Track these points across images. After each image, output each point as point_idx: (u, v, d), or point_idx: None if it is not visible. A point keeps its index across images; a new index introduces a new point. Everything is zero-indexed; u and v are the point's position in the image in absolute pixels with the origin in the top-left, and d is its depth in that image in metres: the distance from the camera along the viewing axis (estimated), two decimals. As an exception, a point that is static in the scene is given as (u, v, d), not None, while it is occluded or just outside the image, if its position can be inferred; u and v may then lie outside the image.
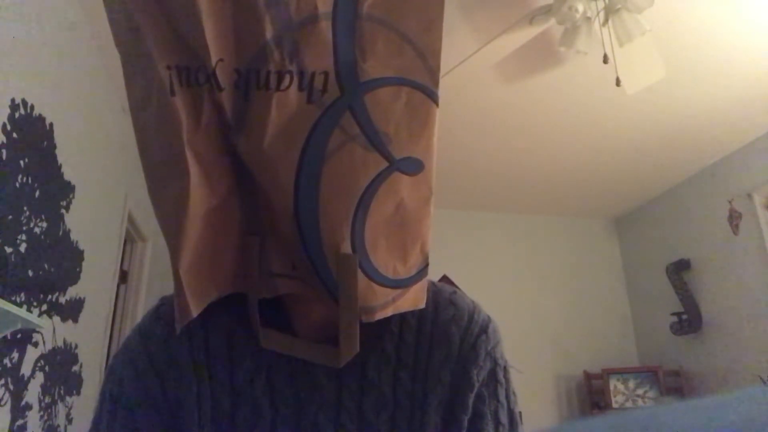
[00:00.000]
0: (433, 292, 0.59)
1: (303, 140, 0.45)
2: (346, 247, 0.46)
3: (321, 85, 0.44)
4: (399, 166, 0.47)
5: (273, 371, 0.55)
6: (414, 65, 0.46)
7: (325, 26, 0.44)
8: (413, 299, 0.51)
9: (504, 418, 0.58)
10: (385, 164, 0.46)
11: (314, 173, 0.45)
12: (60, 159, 1.93)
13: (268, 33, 0.43)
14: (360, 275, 0.47)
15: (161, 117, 0.45)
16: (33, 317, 1.57)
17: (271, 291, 0.51)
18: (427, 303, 0.53)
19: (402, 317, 0.57)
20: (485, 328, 0.60)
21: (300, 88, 0.44)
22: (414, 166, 0.47)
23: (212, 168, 0.46)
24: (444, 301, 0.60)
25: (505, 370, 0.61)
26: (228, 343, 0.56)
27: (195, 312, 0.49)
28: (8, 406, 1.61)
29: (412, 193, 0.48)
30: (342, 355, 0.49)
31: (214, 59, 0.43)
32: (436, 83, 0.47)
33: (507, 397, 0.60)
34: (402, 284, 0.50)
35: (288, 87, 0.44)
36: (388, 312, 0.50)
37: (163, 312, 0.58)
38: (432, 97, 0.47)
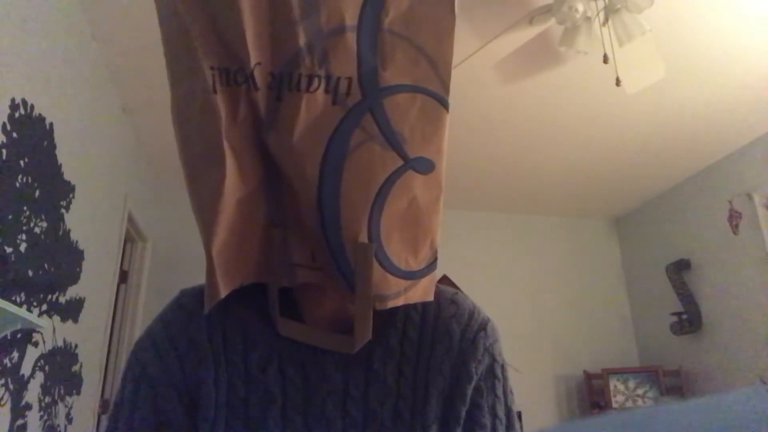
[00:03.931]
0: (436, 292, 0.62)
1: (328, 138, 0.50)
2: (364, 238, 0.50)
3: (345, 89, 0.49)
4: (413, 164, 0.51)
5: (285, 359, 0.59)
6: (427, 74, 0.51)
7: (351, 37, 0.49)
8: (422, 291, 0.55)
9: (501, 413, 0.61)
10: (400, 162, 0.51)
11: (337, 168, 0.50)
12: (60, 159, 1.93)
13: (301, 41, 0.49)
14: (375, 264, 0.51)
15: (203, 112, 0.50)
16: (33, 317, 1.57)
17: (291, 280, 0.55)
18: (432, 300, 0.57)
19: (406, 314, 0.61)
20: (484, 325, 0.64)
21: (326, 91, 0.49)
22: (426, 166, 0.52)
23: (245, 160, 0.51)
24: (446, 300, 0.64)
25: (503, 367, 0.64)
26: (243, 332, 0.60)
27: (223, 292, 0.53)
28: (8, 406, 1.61)
29: (424, 190, 0.52)
30: (356, 341, 0.53)
31: (252, 62, 0.48)
32: (447, 91, 0.51)
33: (504, 393, 0.63)
34: (413, 276, 0.54)
35: (316, 89, 0.49)
36: (400, 302, 0.53)
37: (184, 302, 0.62)
38: (443, 103, 0.52)
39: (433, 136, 0.52)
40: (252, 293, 0.58)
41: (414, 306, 0.60)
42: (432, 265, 0.55)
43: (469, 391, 0.60)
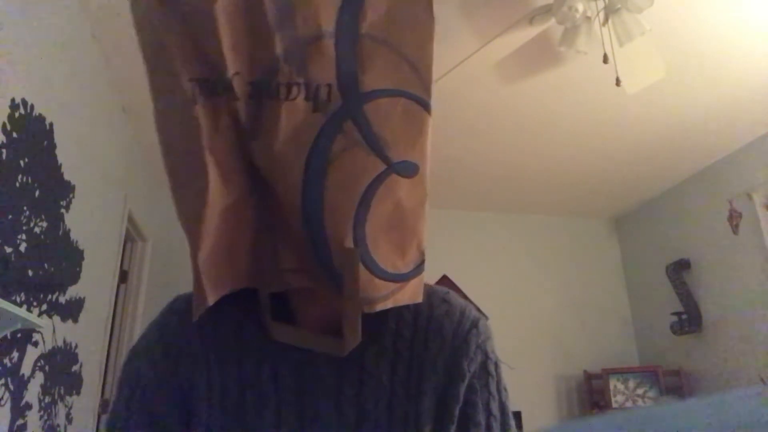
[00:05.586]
0: (427, 292, 0.62)
1: (309, 145, 0.49)
2: (349, 243, 0.50)
3: (326, 96, 0.49)
4: (396, 169, 0.51)
5: (278, 362, 0.59)
6: (409, 78, 0.51)
7: (329, 44, 0.49)
8: (411, 293, 0.55)
9: (495, 410, 0.61)
10: (383, 167, 0.50)
11: (320, 174, 0.50)
12: (60, 159, 1.93)
13: (278, 49, 0.49)
14: (362, 268, 0.51)
15: (184, 123, 0.50)
16: (33, 317, 1.57)
17: (281, 285, 0.56)
18: (422, 300, 0.57)
19: (398, 314, 0.62)
20: (476, 323, 0.64)
21: (307, 98, 0.49)
22: (410, 170, 0.52)
23: (229, 169, 0.51)
24: (438, 299, 0.65)
25: (496, 364, 0.64)
26: (236, 335, 0.60)
27: (211, 300, 0.53)
28: (8, 406, 1.61)
29: (408, 194, 0.52)
30: (346, 344, 0.54)
31: (230, 72, 0.48)
32: (429, 94, 0.52)
33: (498, 390, 0.63)
34: (401, 278, 0.54)
35: (296, 97, 0.49)
36: (389, 304, 0.54)
37: (177, 307, 0.63)
38: (425, 107, 0.52)
39: (417, 139, 0.52)
40: (245, 297, 0.58)
41: (406, 306, 0.60)
42: (420, 266, 0.55)
43: (462, 389, 0.60)
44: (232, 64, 0.48)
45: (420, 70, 0.51)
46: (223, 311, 0.59)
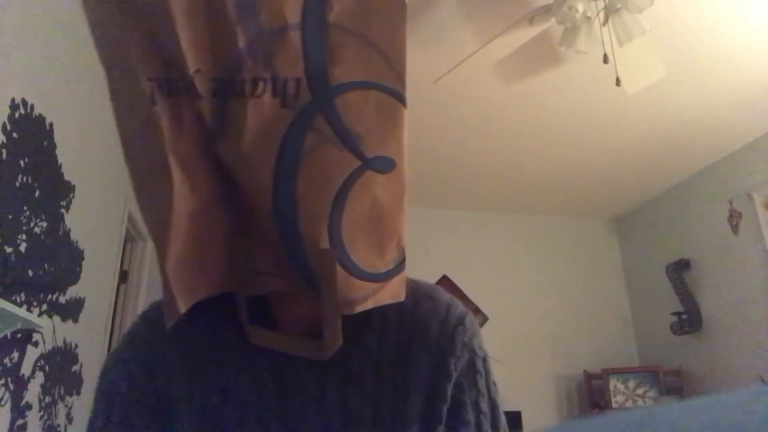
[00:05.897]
0: (412, 288, 0.61)
1: (278, 143, 0.47)
2: (325, 243, 0.49)
3: (293, 91, 0.47)
4: (371, 164, 0.49)
5: (258, 367, 0.57)
6: (381, 70, 0.48)
7: (295, 36, 0.47)
8: (393, 292, 0.54)
9: (485, 407, 0.60)
10: (357, 163, 0.48)
11: (290, 173, 0.47)
12: (60, 159, 1.93)
13: (241, 44, 0.46)
14: (339, 269, 0.49)
15: (145, 126, 0.48)
16: (33, 317, 1.57)
17: (258, 289, 0.54)
18: (406, 298, 0.55)
19: (382, 312, 0.59)
20: (462, 319, 0.62)
21: (274, 94, 0.47)
22: (386, 165, 0.50)
23: (195, 172, 0.49)
24: (422, 295, 0.63)
25: (485, 360, 0.62)
26: (214, 340, 0.59)
27: (182, 308, 0.50)
28: (8, 406, 1.61)
29: (386, 190, 0.50)
30: (326, 347, 0.52)
31: (191, 70, 0.46)
32: (404, 86, 0.49)
33: (487, 386, 0.61)
34: (380, 278, 0.52)
35: (263, 93, 0.47)
36: (369, 305, 0.52)
37: (152, 315, 0.61)
38: (400, 99, 0.49)
39: (392, 133, 0.49)
40: (221, 300, 0.56)
41: (391, 304, 0.58)
42: (400, 265, 0.53)
43: (449, 389, 0.59)
44: (192, 61, 0.46)
45: (393, 60, 0.48)
46: (200, 316, 0.57)
